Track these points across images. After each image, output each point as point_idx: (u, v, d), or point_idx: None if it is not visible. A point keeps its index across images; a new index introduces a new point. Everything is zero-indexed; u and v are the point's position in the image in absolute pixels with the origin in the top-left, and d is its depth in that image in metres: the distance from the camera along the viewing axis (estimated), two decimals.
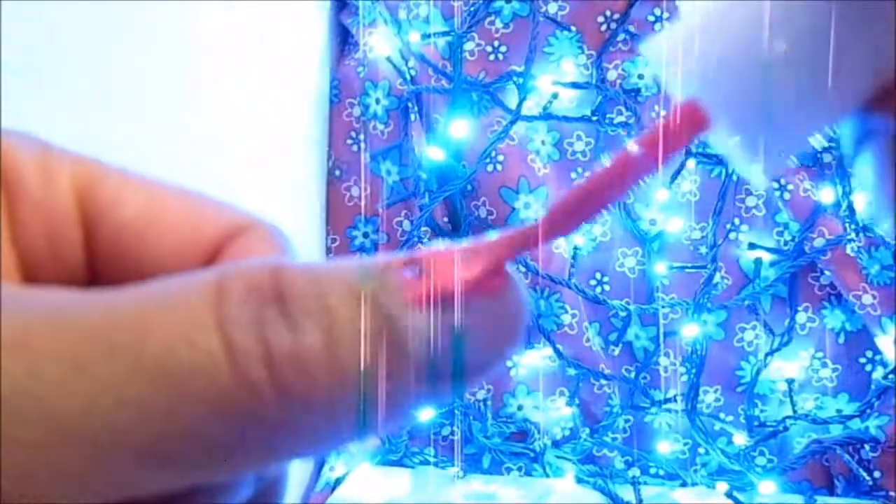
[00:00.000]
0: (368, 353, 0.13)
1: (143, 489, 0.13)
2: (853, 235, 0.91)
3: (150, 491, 0.13)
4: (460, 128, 0.97)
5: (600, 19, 0.98)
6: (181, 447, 0.12)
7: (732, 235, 0.96)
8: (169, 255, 0.17)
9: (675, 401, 0.97)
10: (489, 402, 0.99)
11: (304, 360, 0.13)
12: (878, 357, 0.94)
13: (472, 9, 0.99)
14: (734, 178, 0.95)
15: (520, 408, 1.01)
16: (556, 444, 0.99)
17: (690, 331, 0.96)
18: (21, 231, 0.16)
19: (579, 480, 0.96)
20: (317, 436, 0.13)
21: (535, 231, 0.15)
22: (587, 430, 0.99)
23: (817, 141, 0.15)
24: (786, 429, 0.94)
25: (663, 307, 0.97)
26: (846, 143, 0.15)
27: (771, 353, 0.95)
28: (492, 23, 1.00)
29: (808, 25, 0.13)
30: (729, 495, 0.92)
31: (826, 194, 0.92)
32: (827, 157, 0.92)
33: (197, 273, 0.13)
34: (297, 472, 0.98)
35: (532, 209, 0.98)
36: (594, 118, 0.96)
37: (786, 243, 0.96)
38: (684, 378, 0.97)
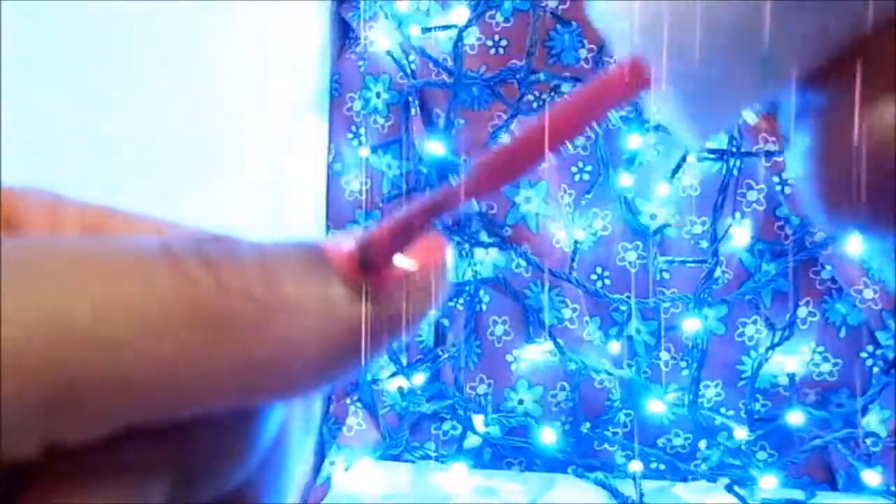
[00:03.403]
0: (295, 271, 0.14)
1: (105, 397, 0.13)
2: None
3: (118, 407, 0.13)
4: (460, 122, 0.97)
5: None
6: (137, 344, 0.12)
7: (733, 230, 0.96)
8: None
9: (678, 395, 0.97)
10: (490, 397, 0.99)
11: (240, 265, 0.14)
12: (879, 351, 0.94)
13: (473, 3, 0.98)
14: (735, 172, 0.94)
15: (520, 402, 1.01)
16: (556, 439, 0.99)
17: (691, 325, 0.96)
18: None
19: (580, 475, 0.96)
20: (255, 345, 0.13)
21: (456, 191, 0.15)
22: (588, 425, 0.99)
23: (752, 111, 0.15)
24: (787, 423, 0.94)
25: (664, 301, 0.97)
26: (785, 119, 0.15)
27: (772, 347, 0.95)
28: (493, 17, 1.00)
29: None
30: (730, 490, 0.92)
31: None
32: None
33: None
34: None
35: (532, 203, 0.98)
36: None
37: (787, 237, 0.95)
38: (685, 373, 0.97)
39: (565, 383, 1.00)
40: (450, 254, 0.16)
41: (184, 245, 0.14)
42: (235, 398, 0.14)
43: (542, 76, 0.95)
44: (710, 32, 0.14)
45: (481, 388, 1.01)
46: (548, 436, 0.98)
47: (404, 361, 1.00)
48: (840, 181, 0.14)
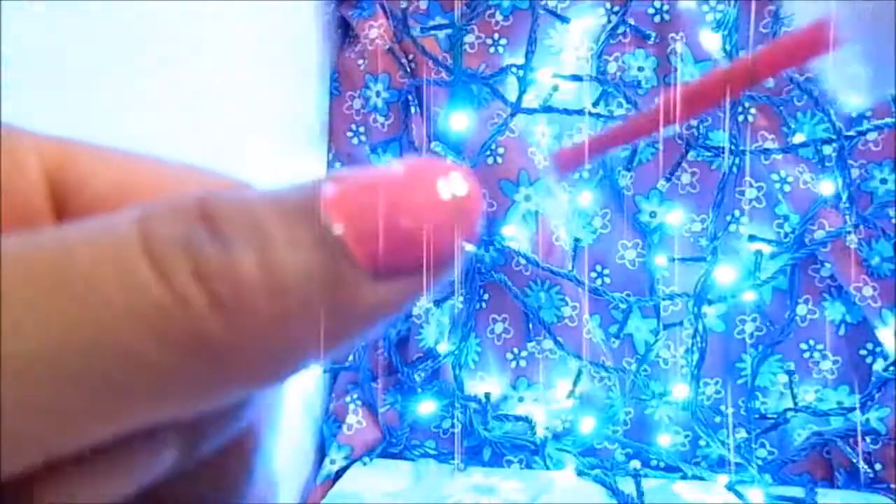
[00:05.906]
0: (305, 271, 0.12)
1: (96, 426, 0.12)
2: (853, 227, 0.91)
3: (106, 429, 0.12)
4: (460, 120, 0.97)
5: (600, 11, 0.98)
6: (121, 372, 0.12)
7: (733, 227, 0.96)
8: None
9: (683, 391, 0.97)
10: (490, 395, 0.99)
11: (238, 276, 0.12)
12: (878, 349, 0.94)
13: (472, 1, 0.98)
14: (734, 169, 0.94)
15: (520, 400, 1.01)
16: (556, 437, 1.00)
17: (690, 323, 0.96)
18: None
19: (580, 473, 0.96)
20: (258, 358, 0.12)
21: (652, 117, 0.16)
22: (588, 423, 0.99)
23: None
24: (786, 421, 0.94)
25: (664, 299, 0.97)
26: None
27: (771, 345, 0.95)
28: (492, 15, 1.00)
29: None
30: (730, 488, 0.92)
31: (826, 186, 0.92)
32: (827, 150, 0.92)
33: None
34: (297, 467, 0.98)
35: (532, 202, 0.98)
36: (594, 111, 0.96)
37: (786, 235, 0.95)
38: (685, 370, 0.97)
39: (566, 381, 1.00)
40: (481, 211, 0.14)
41: (168, 242, 0.12)
42: (231, 398, 0.13)
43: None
44: None
45: (481, 387, 1.01)
46: (547, 434, 0.98)
47: (404, 360, 1.00)
48: None
